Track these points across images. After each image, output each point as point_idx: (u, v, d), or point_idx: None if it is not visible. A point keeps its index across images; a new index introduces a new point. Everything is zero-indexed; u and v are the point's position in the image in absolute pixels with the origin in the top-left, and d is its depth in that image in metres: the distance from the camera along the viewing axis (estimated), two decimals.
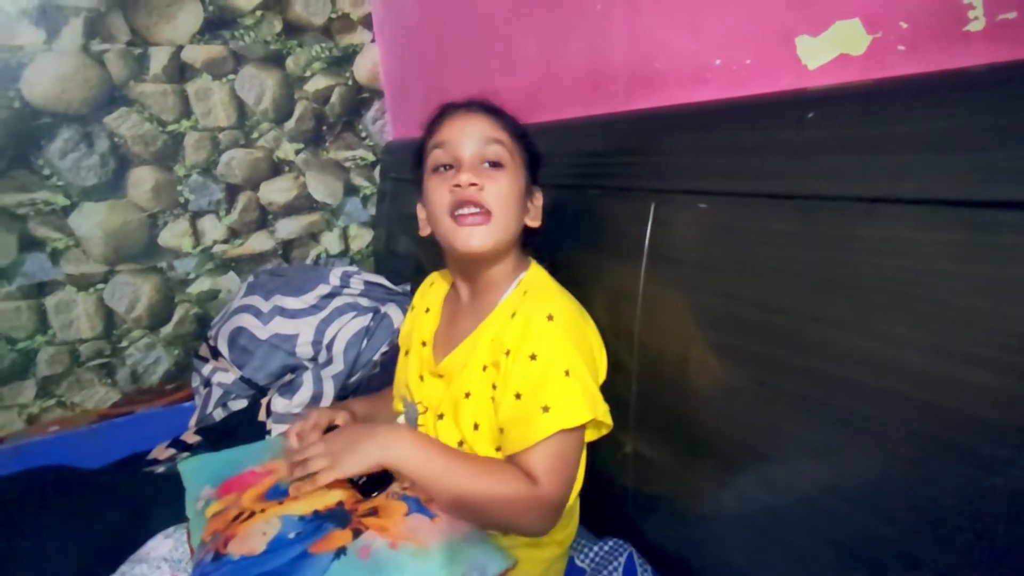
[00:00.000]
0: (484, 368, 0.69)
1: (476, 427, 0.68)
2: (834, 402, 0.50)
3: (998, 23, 0.46)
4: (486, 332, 0.70)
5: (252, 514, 0.63)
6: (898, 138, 0.46)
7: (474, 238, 0.68)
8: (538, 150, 0.75)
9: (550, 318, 0.65)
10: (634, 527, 0.75)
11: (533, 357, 0.64)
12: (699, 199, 0.62)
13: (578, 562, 0.74)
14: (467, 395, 0.69)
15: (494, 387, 0.67)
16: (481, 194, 0.67)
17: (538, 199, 0.75)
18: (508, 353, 0.66)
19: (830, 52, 0.56)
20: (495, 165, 0.69)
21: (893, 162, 0.46)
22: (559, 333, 0.65)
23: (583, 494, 0.71)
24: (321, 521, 0.60)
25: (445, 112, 0.73)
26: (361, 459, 0.64)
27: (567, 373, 0.63)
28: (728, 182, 0.59)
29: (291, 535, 0.59)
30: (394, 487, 0.67)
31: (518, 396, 0.64)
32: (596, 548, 0.75)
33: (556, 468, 0.62)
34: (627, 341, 0.71)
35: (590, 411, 0.63)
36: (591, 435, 0.68)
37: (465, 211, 0.68)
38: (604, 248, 0.76)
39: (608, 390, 0.68)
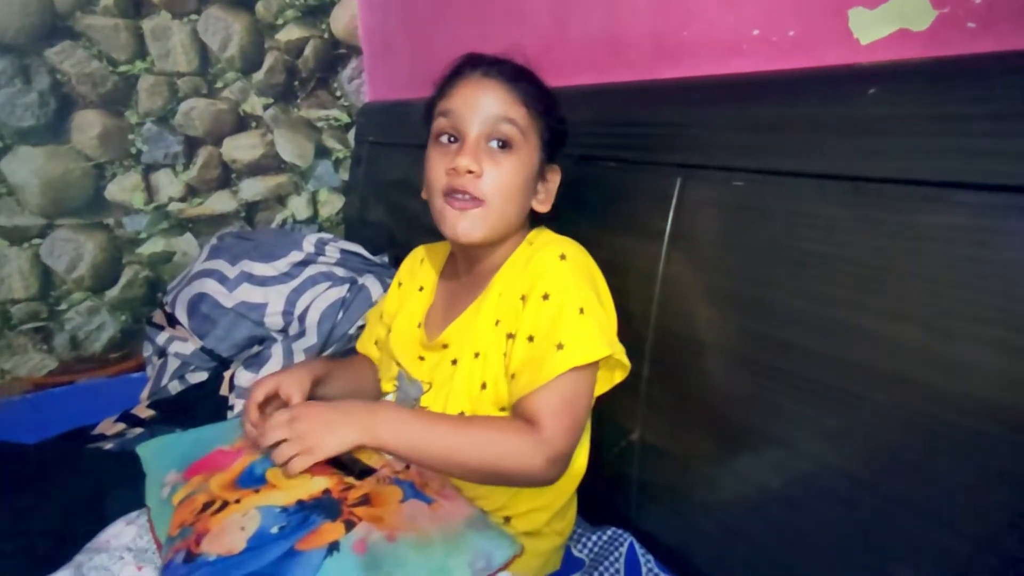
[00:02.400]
0: (496, 323, 0.64)
1: (484, 386, 0.64)
2: (881, 399, 0.47)
3: None
4: (492, 291, 0.66)
5: (225, 504, 0.56)
6: (973, 119, 0.43)
7: (462, 227, 0.63)
8: (564, 126, 0.68)
9: (563, 257, 0.62)
10: (634, 516, 0.72)
11: (546, 297, 0.60)
12: (735, 176, 0.58)
13: (575, 552, 0.71)
14: (476, 355, 0.65)
15: (510, 337, 0.63)
16: (477, 183, 0.61)
17: (553, 180, 0.69)
18: (524, 299, 0.62)
19: (888, 26, 0.53)
20: (504, 145, 0.63)
21: (967, 144, 0.43)
22: (572, 271, 0.61)
23: (580, 483, 0.68)
24: (307, 513, 0.54)
25: (461, 71, 0.65)
26: (340, 441, 0.57)
27: (581, 311, 0.59)
28: (770, 159, 0.55)
29: (274, 530, 0.52)
30: (384, 471, 0.61)
31: (531, 339, 0.60)
32: (595, 537, 0.71)
33: (561, 411, 0.58)
34: (641, 325, 0.67)
35: (607, 346, 0.59)
36: (604, 384, 0.64)
37: (458, 196, 0.62)
38: (620, 225, 0.71)
39: None
